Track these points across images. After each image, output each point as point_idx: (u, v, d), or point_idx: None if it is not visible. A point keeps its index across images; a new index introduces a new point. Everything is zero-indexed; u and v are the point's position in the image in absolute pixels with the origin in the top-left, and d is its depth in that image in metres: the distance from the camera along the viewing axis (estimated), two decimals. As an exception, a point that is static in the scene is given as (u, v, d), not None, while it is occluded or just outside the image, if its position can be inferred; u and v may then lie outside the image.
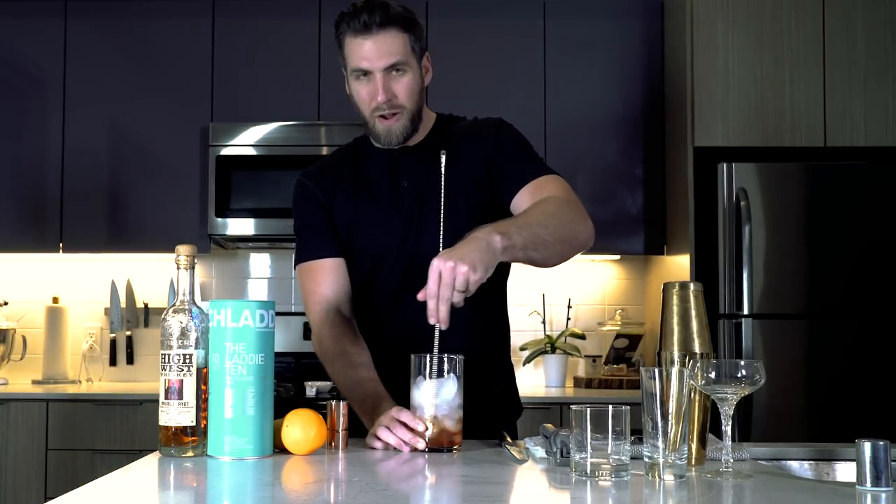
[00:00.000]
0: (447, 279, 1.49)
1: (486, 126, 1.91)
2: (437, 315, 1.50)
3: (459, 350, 1.59)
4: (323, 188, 1.91)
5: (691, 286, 1.46)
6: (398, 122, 1.82)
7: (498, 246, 1.55)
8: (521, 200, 1.79)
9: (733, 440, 1.73)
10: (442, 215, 1.76)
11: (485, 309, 1.74)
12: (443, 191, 1.79)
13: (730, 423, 1.35)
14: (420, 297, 1.52)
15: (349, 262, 1.90)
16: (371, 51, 1.76)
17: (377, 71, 1.78)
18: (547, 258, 1.70)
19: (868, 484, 1.22)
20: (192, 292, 1.52)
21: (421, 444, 1.53)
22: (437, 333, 1.58)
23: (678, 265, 3.56)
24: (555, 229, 1.67)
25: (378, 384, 1.74)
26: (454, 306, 1.51)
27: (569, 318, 4.00)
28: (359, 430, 1.67)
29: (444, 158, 1.81)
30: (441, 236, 1.73)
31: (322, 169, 1.96)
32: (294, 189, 1.96)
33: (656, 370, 1.29)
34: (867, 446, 1.22)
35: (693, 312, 1.44)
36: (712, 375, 1.33)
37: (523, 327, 3.93)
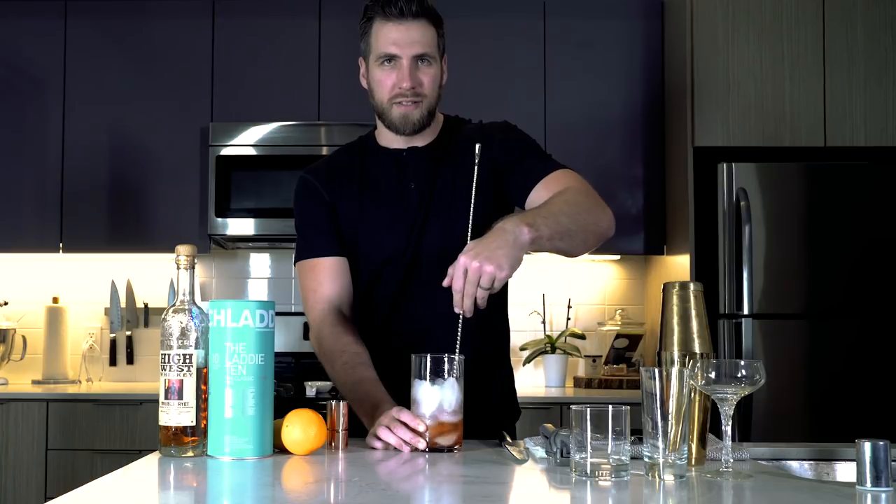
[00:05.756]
0: (472, 278, 1.50)
1: (493, 130, 1.90)
2: (462, 306, 1.52)
3: (460, 354, 1.59)
4: (328, 187, 1.90)
5: (691, 286, 1.46)
6: (417, 109, 1.81)
7: (526, 238, 1.55)
8: (538, 196, 1.78)
9: (733, 440, 1.73)
10: (472, 207, 1.72)
11: (486, 313, 1.73)
12: (474, 184, 1.75)
13: (730, 423, 1.35)
14: (445, 283, 1.53)
15: (352, 262, 1.89)
16: (403, 37, 1.78)
17: (405, 58, 1.78)
18: (572, 247, 1.70)
19: (868, 484, 1.22)
20: (192, 292, 1.52)
21: (421, 444, 1.53)
22: (460, 325, 1.58)
23: (678, 265, 3.56)
24: (578, 218, 1.68)
25: (378, 384, 1.73)
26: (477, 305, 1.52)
27: (569, 318, 4.00)
28: (359, 430, 1.67)
29: (478, 149, 1.76)
30: (470, 229, 1.70)
31: (327, 167, 1.94)
32: (297, 185, 1.94)
33: (656, 370, 1.29)
34: (867, 446, 1.22)
35: (693, 312, 1.44)
36: (712, 375, 1.33)
37: (523, 327, 3.93)
